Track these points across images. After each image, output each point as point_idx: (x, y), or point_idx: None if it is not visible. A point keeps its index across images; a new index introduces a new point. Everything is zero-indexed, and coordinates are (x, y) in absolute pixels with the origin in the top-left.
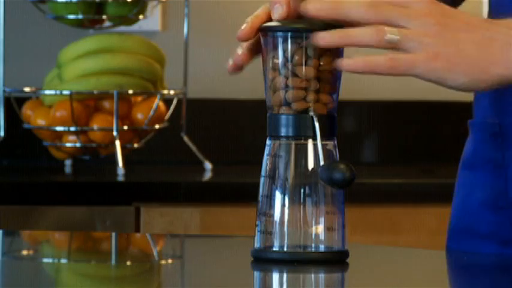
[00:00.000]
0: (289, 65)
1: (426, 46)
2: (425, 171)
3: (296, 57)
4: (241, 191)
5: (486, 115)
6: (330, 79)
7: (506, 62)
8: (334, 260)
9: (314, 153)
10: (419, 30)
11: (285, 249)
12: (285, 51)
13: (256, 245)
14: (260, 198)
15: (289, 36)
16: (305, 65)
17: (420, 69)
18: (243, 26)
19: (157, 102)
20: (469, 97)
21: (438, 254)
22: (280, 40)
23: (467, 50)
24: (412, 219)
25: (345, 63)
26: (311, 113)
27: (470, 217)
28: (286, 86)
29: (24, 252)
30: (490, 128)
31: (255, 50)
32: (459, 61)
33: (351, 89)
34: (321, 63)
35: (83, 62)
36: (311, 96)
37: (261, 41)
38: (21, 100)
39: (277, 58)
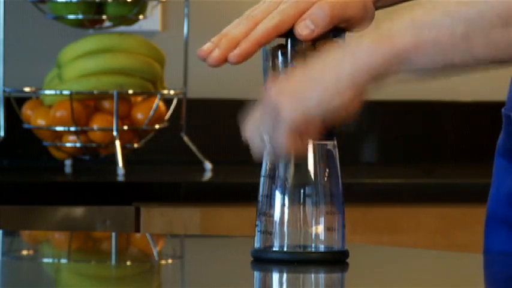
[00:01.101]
0: (289, 68)
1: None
2: (425, 171)
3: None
4: (241, 191)
5: (510, 107)
6: None
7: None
8: (334, 260)
9: (314, 151)
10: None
11: (285, 249)
12: (284, 55)
13: (256, 245)
14: (260, 198)
15: (289, 42)
16: None
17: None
18: (236, 50)
19: (157, 102)
20: (468, 97)
21: (438, 254)
22: (279, 46)
23: (308, 74)
24: (412, 219)
25: None
26: None
27: (503, 205)
28: None
29: (24, 252)
30: None
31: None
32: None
33: None
34: None
35: (83, 62)
36: None
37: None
38: (21, 100)
39: (278, 60)
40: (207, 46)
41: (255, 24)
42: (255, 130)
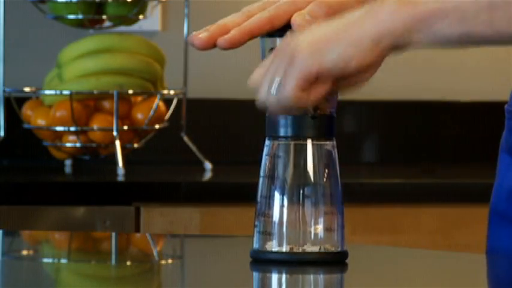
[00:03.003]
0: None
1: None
2: (425, 171)
3: None
4: (241, 191)
5: None
6: None
7: (373, 21)
8: (333, 261)
9: (313, 152)
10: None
11: (284, 250)
12: None
13: (255, 245)
14: (259, 199)
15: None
16: None
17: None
18: (229, 35)
19: (157, 102)
20: (468, 97)
21: (438, 254)
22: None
23: (330, 29)
24: (412, 219)
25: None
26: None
27: (505, 201)
28: None
29: (24, 252)
30: None
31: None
32: (328, 37)
33: None
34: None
35: (83, 62)
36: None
37: (260, 43)
38: (21, 100)
39: None
40: (197, 32)
41: (249, 17)
42: (265, 75)
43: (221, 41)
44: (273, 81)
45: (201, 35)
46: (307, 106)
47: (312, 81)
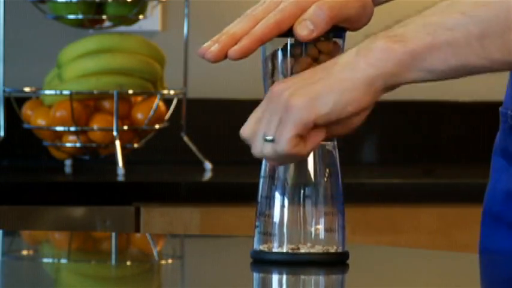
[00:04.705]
0: (289, 70)
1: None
2: (425, 171)
3: (296, 67)
4: (241, 191)
5: (507, 105)
6: None
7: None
8: (334, 261)
9: (313, 152)
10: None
11: (285, 250)
12: (284, 57)
13: (256, 246)
14: (259, 199)
15: (288, 46)
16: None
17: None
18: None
19: (157, 102)
20: (468, 97)
21: (438, 254)
22: (279, 48)
23: (322, 76)
24: (412, 219)
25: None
26: None
27: (499, 203)
28: None
29: (24, 252)
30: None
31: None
32: (315, 88)
33: None
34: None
35: (83, 62)
36: None
37: (261, 47)
38: (21, 100)
39: (277, 62)
40: (207, 44)
41: (255, 22)
42: (259, 127)
43: (232, 52)
44: (267, 133)
45: (212, 48)
46: (303, 156)
47: (308, 131)
